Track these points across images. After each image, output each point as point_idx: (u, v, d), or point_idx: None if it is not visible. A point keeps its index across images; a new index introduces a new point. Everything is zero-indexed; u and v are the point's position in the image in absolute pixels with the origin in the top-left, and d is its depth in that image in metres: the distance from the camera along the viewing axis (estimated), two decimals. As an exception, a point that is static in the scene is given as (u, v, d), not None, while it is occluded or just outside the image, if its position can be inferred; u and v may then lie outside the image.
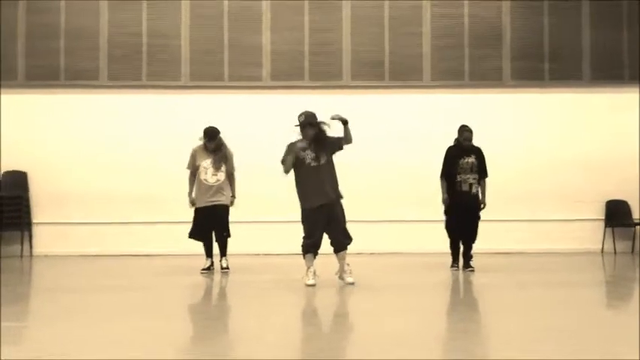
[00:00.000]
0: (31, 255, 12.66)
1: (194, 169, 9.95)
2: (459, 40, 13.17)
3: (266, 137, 12.41)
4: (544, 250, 12.66)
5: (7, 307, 6.90)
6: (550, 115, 13.23)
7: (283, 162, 8.53)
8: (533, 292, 8.31)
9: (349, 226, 8.62)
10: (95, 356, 4.97)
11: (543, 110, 13.24)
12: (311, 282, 8.41)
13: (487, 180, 10.24)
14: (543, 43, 13.17)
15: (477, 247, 10.26)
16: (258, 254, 12.38)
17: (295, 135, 8.57)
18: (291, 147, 8.51)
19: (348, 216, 8.63)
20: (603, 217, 13.01)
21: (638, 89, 13.07)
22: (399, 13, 13.15)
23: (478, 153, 10.20)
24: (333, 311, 7.36)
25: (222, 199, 9.91)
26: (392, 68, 13.13)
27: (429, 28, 13.15)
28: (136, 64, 12.99)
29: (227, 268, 9.96)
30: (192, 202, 10.01)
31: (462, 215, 10.07)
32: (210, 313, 7.39)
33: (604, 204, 13.04)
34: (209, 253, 10.03)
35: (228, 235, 10.03)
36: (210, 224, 9.95)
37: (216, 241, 10.03)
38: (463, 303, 8.01)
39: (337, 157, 8.64)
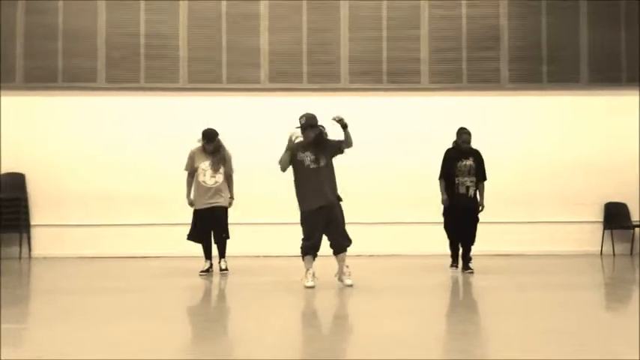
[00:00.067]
0: (29, 257, 12.64)
1: (192, 171, 9.95)
2: (457, 42, 13.17)
3: (264, 139, 12.41)
4: (543, 252, 12.67)
5: (6, 309, 6.89)
6: (548, 118, 13.23)
7: (280, 160, 8.54)
8: (533, 294, 8.31)
9: (348, 228, 8.63)
10: (94, 358, 4.97)
11: (541, 112, 13.24)
12: (310, 284, 8.41)
13: (486, 182, 10.25)
14: (541, 45, 13.18)
15: (476, 248, 10.27)
16: (257, 256, 12.37)
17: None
18: (289, 145, 8.50)
19: (347, 218, 8.63)
20: (602, 220, 13.01)
21: (636, 91, 13.08)
22: (397, 16, 13.16)
23: (477, 156, 10.21)
24: (333, 313, 7.35)
25: (221, 201, 9.91)
26: (390, 70, 13.13)
27: (427, 31, 13.16)
28: (134, 66, 12.98)
29: (226, 269, 9.95)
30: (191, 203, 10.01)
31: (460, 218, 10.09)
32: (209, 314, 7.38)
33: (603, 206, 13.04)
34: (208, 254, 10.02)
35: (228, 237, 10.03)
36: (209, 226, 9.94)
37: (215, 242, 10.02)
38: (462, 305, 8.00)
39: (336, 160, 8.66)
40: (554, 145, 13.14)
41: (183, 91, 13.03)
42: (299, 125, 8.50)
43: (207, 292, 8.88)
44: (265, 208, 12.55)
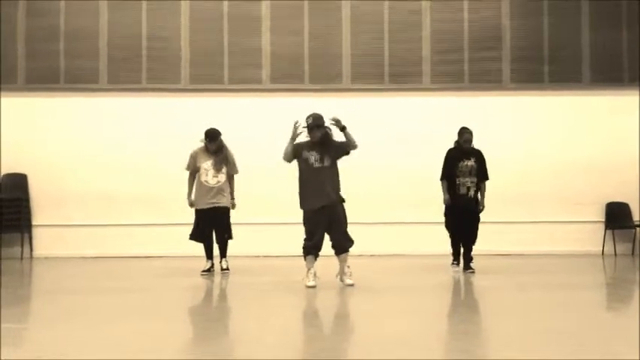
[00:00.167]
0: (31, 257, 12.65)
1: (194, 171, 9.96)
2: (458, 42, 13.17)
3: (266, 140, 12.41)
4: (544, 252, 12.67)
5: (7, 309, 6.90)
6: (550, 118, 13.22)
7: (285, 151, 8.58)
8: (534, 293, 8.31)
9: (350, 228, 8.64)
10: (95, 357, 4.97)
11: (543, 113, 13.23)
12: (311, 283, 8.42)
13: (487, 182, 10.25)
14: (543, 45, 13.18)
15: (477, 248, 10.27)
16: (258, 256, 12.38)
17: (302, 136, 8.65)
18: (294, 133, 8.54)
19: (348, 218, 8.64)
20: (603, 219, 13.00)
21: (637, 92, 13.07)
22: (399, 16, 13.15)
23: (478, 156, 10.21)
24: (334, 312, 7.36)
25: (223, 201, 9.92)
26: (392, 71, 13.13)
27: (429, 31, 13.15)
28: (136, 67, 12.99)
29: (227, 269, 9.96)
30: (192, 204, 10.02)
31: (460, 218, 10.10)
32: (211, 314, 7.39)
33: (604, 206, 13.03)
34: (209, 254, 10.03)
35: (230, 237, 10.04)
36: (211, 226, 9.95)
37: (217, 242, 10.03)
38: (463, 304, 8.01)
39: (338, 160, 8.68)
40: (556, 145, 13.13)
41: (184, 92, 13.04)
42: (306, 125, 8.52)
43: (209, 292, 8.89)
44: (266, 208, 12.56)
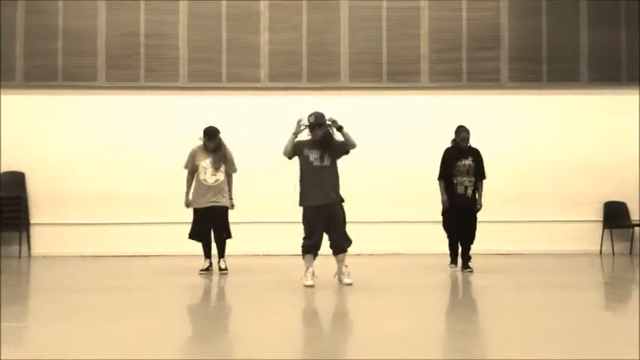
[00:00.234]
0: (29, 256, 12.65)
1: (192, 169, 9.94)
2: (456, 41, 13.18)
3: (264, 138, 12.43)
4: (543, 252, 12.68)
5: (6, 308, 6.89)
6: (548, 117, 13.24)
7: (285, 147, 8.58)
8: (532, 293, 8.31)
9: (348, 227, 8.63)
10: (94, 357, 4.97)
11: (541, 112, 13.25)
12: (309, 283, 8.42)
13: (485, 181, 10.25)
14: (541, 44, 13.19)
15: (475, 248, 10.27)
16: (257, 255, 12.38)
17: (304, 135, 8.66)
18: (297, 129, 8.55)
19: (347, 217, 8.64)
20: (602, 219, 13.02)
21: (636, 91, 13.08)
22: (397, 15, 13.16)
23: (476, 155, 10.20)
24: (333, 312, 7.35)
25: (222, 201, 9.90)
26: (390, 69, 13.14)
27: (427, 30, 13.16)
28: (134, 65, 12.98)
29: (226, 269, 9.94)
30: (188, 204, 10.00)
31: (459, 218, 10.10)
32: (210, 313, 7.38)
33: (602, 205, 13.05)
34: (208, 253, 10.02)
35: (229, 236, 10.03)
36: (209, 225, 9.94)
37: (215, 241, 10.02)
38: (462, 304, 8.01)
39: (339, 160, 8.70)
40: (554, 145, 13.14)
41: (183, 90, 13.04)
42: (307, 123, 8.52)
43: (207, 291, 8.89)
44: (265, 207, 12.56)
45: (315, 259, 8.56)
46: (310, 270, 8.50)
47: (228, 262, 10.03)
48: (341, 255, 8.62)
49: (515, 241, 12.76)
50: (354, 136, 8.57)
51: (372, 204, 12.60)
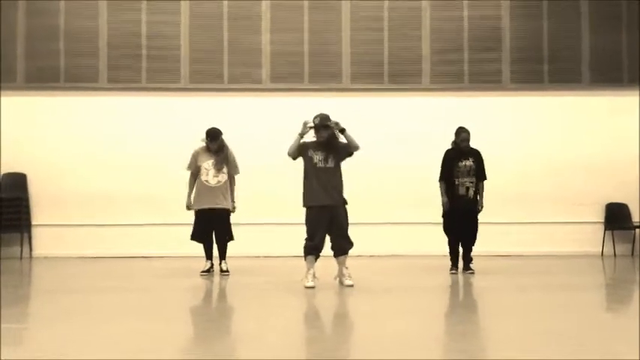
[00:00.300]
0: (30, 257, 12.65)
1: (195, 170, 9.93)
2: (458, 42, 13.18)
3: (265, 139, 12.45)
4: (544, 253, 12.67)
5: (6, 309, 6.90)
6: (550, 118, 13.23)
7: (290, 147, 8.57)
8: (533, 294, 8.31)
9: (349, 229, 8.63)
10: (95, 358, 4.97)
11: (543, 113, 13.24)
12: (310, 284, 8.42)
13: (486, 182, 10.24)
14: (543, 45, 13.18)
15: (476, 249, 10.27)
16: (257, 256, 12.38)
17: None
18: (303, 130, 8.56)
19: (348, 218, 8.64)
20: (603, 220, 13.01)
21: (637, 92, 13.08)
22: (399, 16, 13.16)
23: (476, 156, 10.20)
24: (333, 313, 7.35)
25: (224, 203, 9.88)
26: (391, 71, 13.14)
27: (429, 31, 13.16)
28: (136, 66, 12.99)
29: (227, 271, 9.92)
30: (188, 206, 9.98)
31: (460, 219, 10.09)
32: (211, 314, 7.38)
33: (604, 207, 13.04)
34: (209, 255, 10.02)
35: (231, 238, 10.02)
36: (211, 227, 9.93)
37: (216, 243, 10.02)
38: (463, 305, 8.00)
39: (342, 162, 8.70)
40: (555, 146, 13.14)
41: (184, 91, 13.04)
42: (313, 125, 8.53)
43: (208, 293, 8.89)
44: (266, 209, 12.56)
45: (316, 260, 8.55)
46: (311, 271, 8.50)
47: (228, 263, 10.03)
48: (342, 257, 8.62)
49: (516, 242, 12.76)
50: (356, 139, 8.59)
51: (372, 205, 12.58)
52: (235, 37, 13.07)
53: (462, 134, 10.14)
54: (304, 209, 8.64)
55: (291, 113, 12.15)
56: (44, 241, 12.72)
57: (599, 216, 13.04)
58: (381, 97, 13.16)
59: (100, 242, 12.68)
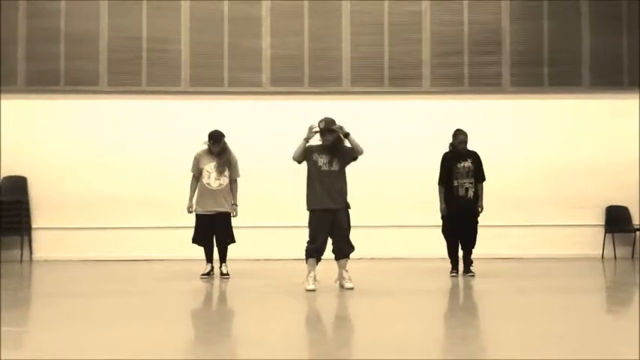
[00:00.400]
0: (30, 260, 12.65)
1: (197, 173, 9.93)
2: (458, 46, 13.18)
3: (266, 143, 12.46)
4: (544, 256, 12.67)
5: (6, 312, 6.90)
6: (550, 121, 13.24)
7: (295, 151, 8.58)
8: (533, 297, 8.30)
9: (351, 232, 8.62)
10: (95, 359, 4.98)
11: (543, 116, 13.25)
12: (311, 287, 8.42)
13: (486, 184, 10.25)
14: (543, 48, 13.19)
15: (476, 252, 10.26)
16: (258, 259, 12.37)
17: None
18: (308, 135, 8.54)
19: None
20: (603, 223, 13.01)
21: (637, 95, 13.08)
22: (399, 19, 13.17)
23: (475, 157, 10.20)
24: (334, 316, 7.35)
25: (226, 206, 9.89)
26: (392, 74, 13.14)
27: (429, 34, 13.17)
28: (136, 69, 13.00)
29: (227, 274, 9.92)
30: (190, 210, 9.98)
31: (460, 220, 10.09)
32: (211, 317, 7.38)
33: (604, 209, 13.04)
34: (209, 258, 10.02)
35: (233, 241, 10.02)
36: (211, 230, 9.93)
37: (217, 246, 10.02)
38: (463, 308, 8.00)
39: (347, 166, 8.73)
40: (556, 149, 13.14)
41: (184, 94, 13.05)
42: (317, 129, 8.53)
43: (209, 295, 8.89)
44: (266, 212, 12.56)
45: (317, 263, 8.55)
46: (312, 274, 8.50)
47: (229, 266, 10.03)
48: (343, 260, 8.63)
49: (516, 245, 12.76)
50: (360, 142, 8.59)
51: (373, 208, 12.58)
52: (236, 40, 13.07)
53: (459, 136, 10.16)
54: (308, 212, 8.64)
55: (292, 116, 12.23)
56: (44, 244, 12.72)
57: (600, 219, 13.04)
58: (382, 100, 13.16)
59: (100, 245, 12.68)
